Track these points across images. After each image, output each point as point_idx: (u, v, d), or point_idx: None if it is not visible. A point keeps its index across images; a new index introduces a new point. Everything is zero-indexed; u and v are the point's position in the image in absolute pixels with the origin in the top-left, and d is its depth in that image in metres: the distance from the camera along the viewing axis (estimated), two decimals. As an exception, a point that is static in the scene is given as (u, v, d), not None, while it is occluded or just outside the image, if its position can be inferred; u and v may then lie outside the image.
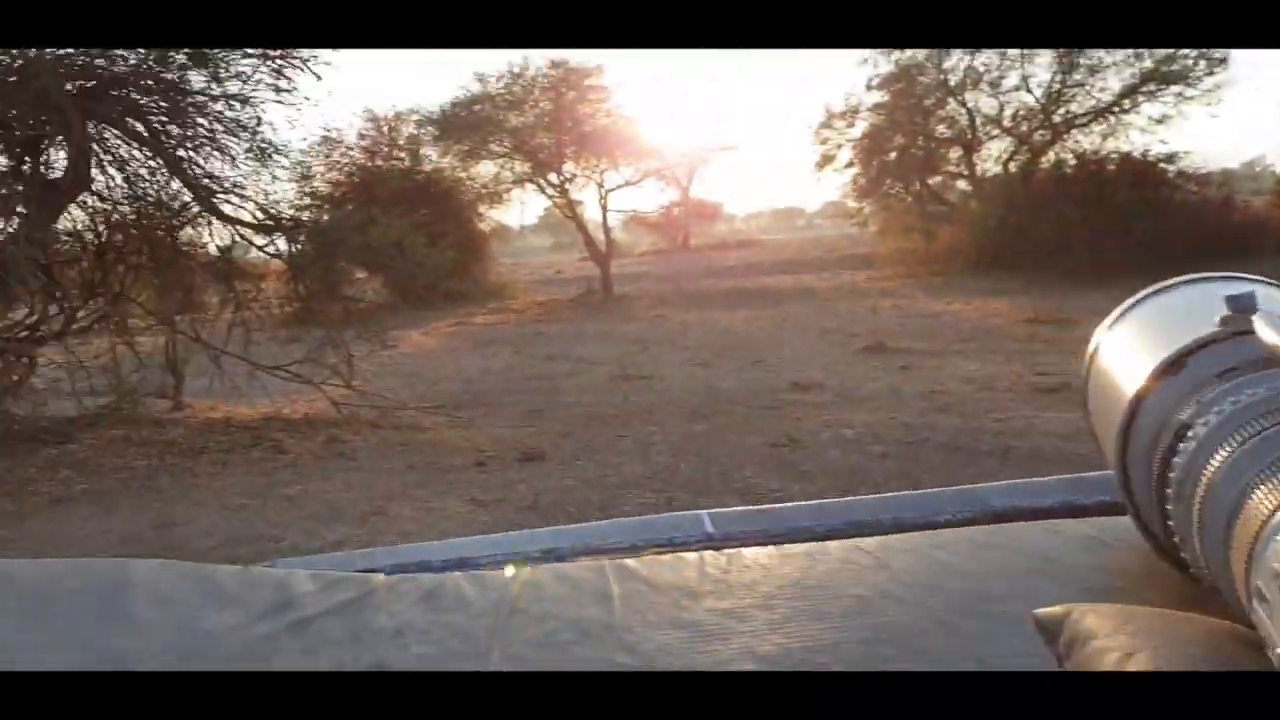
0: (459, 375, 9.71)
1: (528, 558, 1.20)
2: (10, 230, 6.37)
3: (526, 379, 9.26)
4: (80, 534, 4.54)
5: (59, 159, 7.21)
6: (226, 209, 7.66)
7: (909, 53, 19.61)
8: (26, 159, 7.08)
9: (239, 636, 0.94)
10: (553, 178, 19.85)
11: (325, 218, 9.83)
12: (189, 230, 8.10)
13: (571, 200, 20.42)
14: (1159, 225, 14.35)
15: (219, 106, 7.40)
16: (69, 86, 6.49)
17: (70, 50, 6.55)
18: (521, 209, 47.10)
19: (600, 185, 20.53)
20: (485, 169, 20.11)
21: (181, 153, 7.46)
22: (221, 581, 1.04)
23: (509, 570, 1.06)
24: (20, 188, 6.88)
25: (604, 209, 20.80)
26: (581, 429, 6.53)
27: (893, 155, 21.65)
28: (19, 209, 6.73)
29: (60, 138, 6.92)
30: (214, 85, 7.27)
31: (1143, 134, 18.33)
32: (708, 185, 43.68)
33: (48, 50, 6.37)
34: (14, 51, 6.35)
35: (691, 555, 1.08)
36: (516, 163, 19.77)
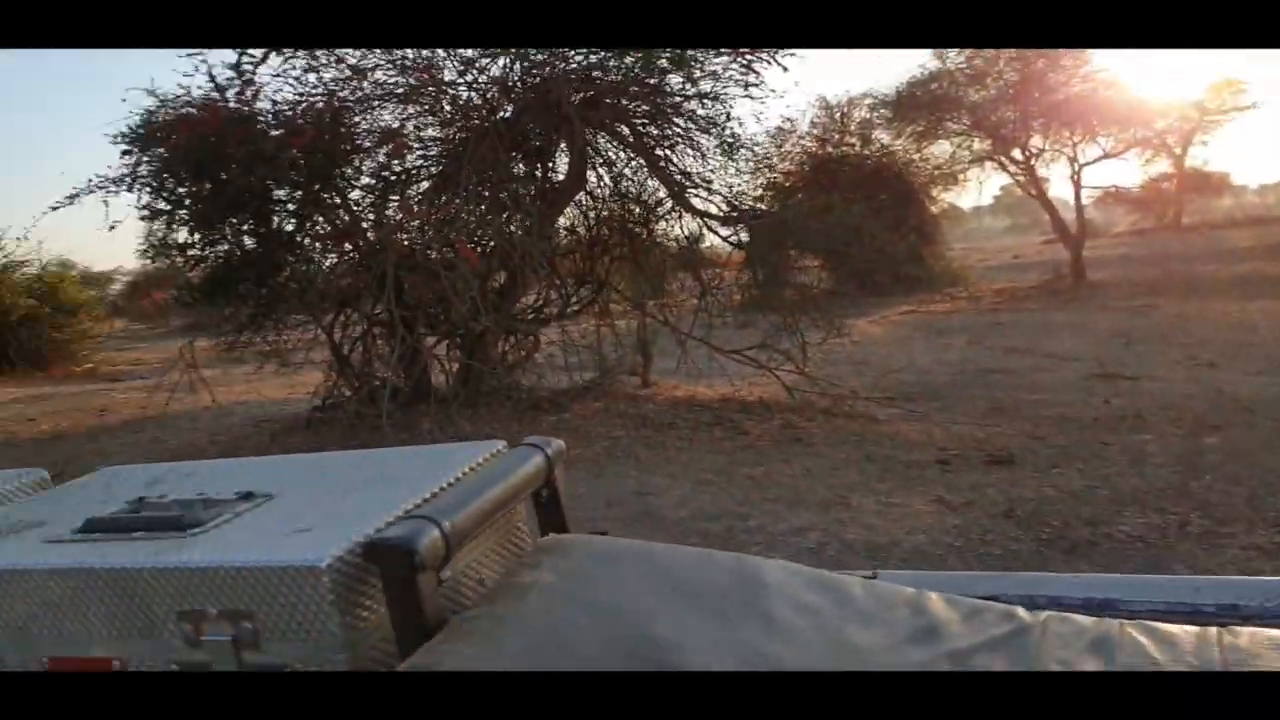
0: (911, 366, 9.34)
1: (1197, 610, 0.99)
2: (525, 226, 7.39)
3: (985, 372, 8.60)
4: (575, 494, 5.09)
5: (561, 164, 8.26)
6: (696, 202, 8.16)
7: None
8: (538, 164, 8.20)
9: (894, 660, 0.90)
10: (1016, 154, 18.32)
11: (778, 207, 10.05)
12: (662, 223, 8.80)
13: (1037, 177, 18.67)
14: None
15: (693, 105, 7.88)
16: (574, 97, 7.33)
17: (576, 64, 7.41)
18: (979, 189, 44.44)
19: (1073, 159, 18.50)
20: (939, 149, 19.22)
21: (659, 152, 8.09)
22: (849, 592, 1.01)
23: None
24: (533, 189, 7.99)
25: (1076, 185, 18.72)
26: (1054, 432, 5.85)
27: None
28: (530, 208, 7.81)
29: (564, 144, 7.90)
30: (689, 85, 7.74)
31: None
32: (1209, 153, 37.20)
33: (560, 65, 7.29)
34: (534, 71, 7.36)
35: None
36: (975, 140, 18.59)
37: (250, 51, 6.48)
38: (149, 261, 26.30)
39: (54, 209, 7.00)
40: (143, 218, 7.34)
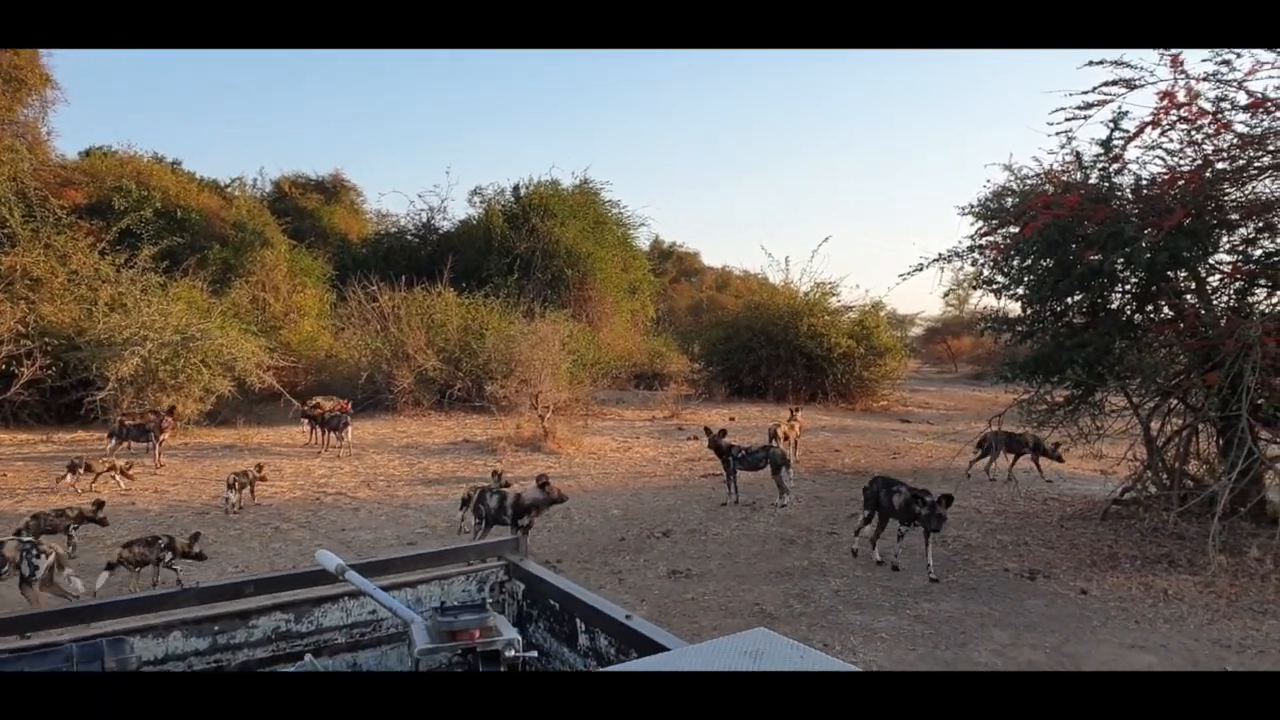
0: None
1: None
2: None
3: None
4: None
5: None
6: None
7: None
8: None
9: None
10: None
11: None
12: None
13: None
14: None
15: None
16: None
17: None
18: None
19: None
20: None
21: None
22: None
23: None
24: None
25: None
26: None
27: None
28: None
29: None
30: None
31: None
32: None
33: None
34: None
35: None
36: None
37: (1123, 127, 6.09)
38: (950, 309, 28.06)
39: (903, 278, 7.67)
40: (975, 286, 7.61)
